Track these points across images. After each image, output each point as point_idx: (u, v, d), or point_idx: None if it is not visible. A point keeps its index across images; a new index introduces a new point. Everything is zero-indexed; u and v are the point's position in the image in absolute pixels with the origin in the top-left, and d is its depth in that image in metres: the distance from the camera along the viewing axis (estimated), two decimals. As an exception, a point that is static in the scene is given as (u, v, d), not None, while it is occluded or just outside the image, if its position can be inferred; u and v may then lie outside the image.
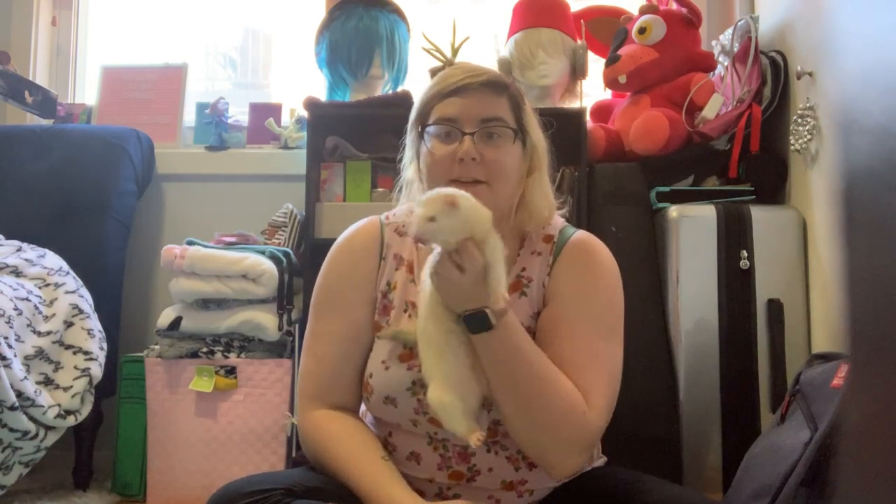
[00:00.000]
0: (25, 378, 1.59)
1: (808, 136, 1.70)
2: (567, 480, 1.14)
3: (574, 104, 2.09)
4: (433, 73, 2.08)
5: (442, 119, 1.12)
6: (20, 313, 1.64)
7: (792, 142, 1.74)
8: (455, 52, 2.07)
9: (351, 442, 1.12)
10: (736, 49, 1.97)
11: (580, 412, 1.05)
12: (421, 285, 1.11)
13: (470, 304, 1.02)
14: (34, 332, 1.68)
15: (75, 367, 1.76)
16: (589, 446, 1.09)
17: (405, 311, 1.15)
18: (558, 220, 1.22)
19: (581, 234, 1.20)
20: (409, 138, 1.21)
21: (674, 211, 1.76)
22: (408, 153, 1.22)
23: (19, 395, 1.56)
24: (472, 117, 1.11)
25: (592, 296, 1.14)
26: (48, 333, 1.71)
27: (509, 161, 1.12)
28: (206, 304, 1.93)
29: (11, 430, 1.57)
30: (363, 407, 1.20)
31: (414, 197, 1.16)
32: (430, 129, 1.14)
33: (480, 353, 1.05)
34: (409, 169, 1.22)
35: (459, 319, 1.04)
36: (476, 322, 1.02)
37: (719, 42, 2.10)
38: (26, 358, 1.64)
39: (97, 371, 1.80)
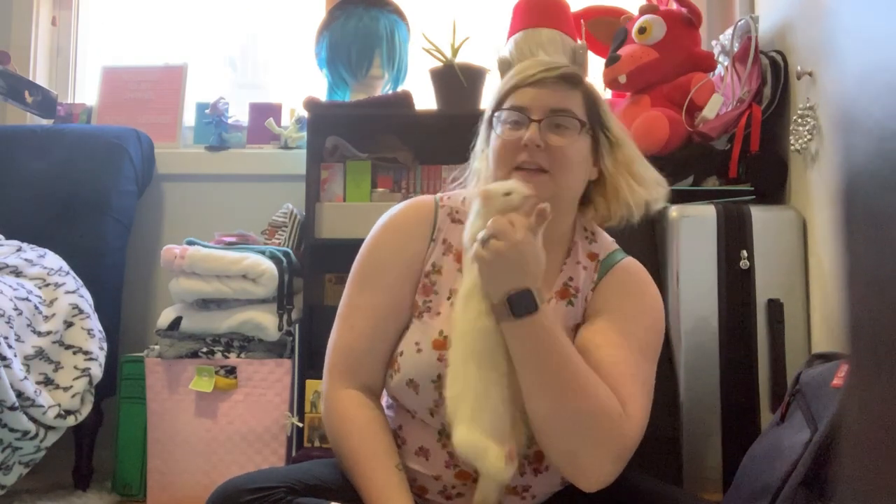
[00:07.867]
0: (25, 378, 1.59)
1: (808, 136, 1.70)
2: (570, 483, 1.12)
3: (574, 104, 2.08)
4: (434, 73, 2.09)
5: (514, 107, 1.14)
6: (20, 313, 1.64)
7: (792, 142, 1.74)
8: (455, 52, 2.07)
9: (371, 442, 1.11)
10: (736, 49, 1.97)
11: (616, 414, 1.03)
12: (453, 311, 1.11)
13: (514, 283, 1.01)
14: (34, 332, 1.68)
15: (75, 367, 1.76)
16: (623, 455, 1.06)
17: (448, 298, 1.15)
18: (607, 241, 1.23)
19: (632, 260, 1.21)
20: (482, 128, 1.23)
21: (674, 211, 1.76)
22: (479, 144, 1.24)
23: (19, 395, 1.56)
24: (542, 107, 1.12)
25: (637, 316, 1.15)
26: (48, 333, 1.71)
27: (573, 152, 1.12)
28: (206, 304, 1.93)
29: (11, 430, 1.57)
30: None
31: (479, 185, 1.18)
32: (501, 114, 1.15)
33: (518, 348, 1.03)
34: (478, 159, 1.23)
35: (504, 307, 1.01)
36: (521, 301, 1.01)
37: (719, 42, 2.09)
38: (26, 358, 1.64)
39: (97, 371, 1.80)
